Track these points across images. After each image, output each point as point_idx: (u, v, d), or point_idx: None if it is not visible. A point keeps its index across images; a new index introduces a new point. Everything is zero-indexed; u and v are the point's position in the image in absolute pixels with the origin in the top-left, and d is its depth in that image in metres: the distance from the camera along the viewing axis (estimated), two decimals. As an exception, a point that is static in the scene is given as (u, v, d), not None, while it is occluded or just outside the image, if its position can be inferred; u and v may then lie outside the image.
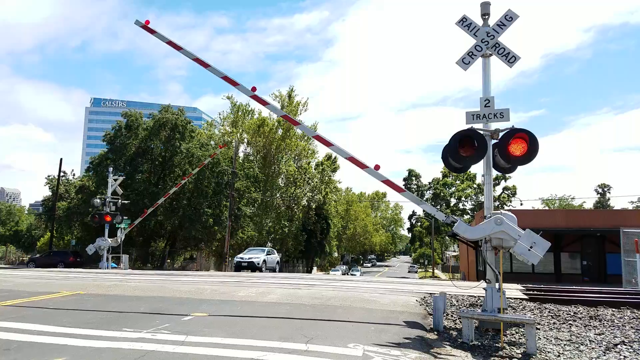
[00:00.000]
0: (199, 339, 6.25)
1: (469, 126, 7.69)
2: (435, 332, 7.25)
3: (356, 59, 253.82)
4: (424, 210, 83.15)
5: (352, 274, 56.78)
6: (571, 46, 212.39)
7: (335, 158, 71.21)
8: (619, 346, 6.61)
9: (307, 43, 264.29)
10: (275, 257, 29.84)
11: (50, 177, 44.91)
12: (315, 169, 62.09)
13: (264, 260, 26.54)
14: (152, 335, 6.42)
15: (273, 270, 27.97)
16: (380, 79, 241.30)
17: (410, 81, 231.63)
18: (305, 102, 58.71)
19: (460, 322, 7.14)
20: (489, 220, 7.22)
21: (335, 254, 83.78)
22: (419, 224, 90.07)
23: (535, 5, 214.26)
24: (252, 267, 25.40)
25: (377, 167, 8.51)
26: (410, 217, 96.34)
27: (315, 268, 67.31)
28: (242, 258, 26.53)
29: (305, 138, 60.02)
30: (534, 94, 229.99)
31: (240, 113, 56.15)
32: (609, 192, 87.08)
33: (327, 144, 9.27)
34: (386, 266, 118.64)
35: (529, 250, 6.82)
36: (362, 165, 8.65)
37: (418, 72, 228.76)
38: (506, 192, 72.03)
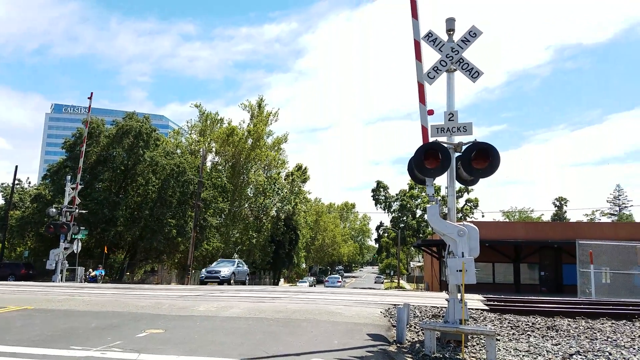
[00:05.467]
0: (153, 357, 5.97)
1: (433, 139, 7.78)
2: (398, 345, 7.20)
3: (326, 71, 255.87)
4: (390, 221, 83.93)
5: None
6: (532, 63, 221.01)
7: (305, 168, 70.63)
8: (574, 356, 6.77)
9: (277, 53, 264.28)
10: (245, 269, 29.42)
11: (3, 185, 42.99)
12: (285, 180, 61.72)
13: (233, 273, 26.08)
14: (102, 354, 6.08)
15: (242, 282, 27.57)
16: (350, 91, 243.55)
17: (379, 93, 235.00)
18: (276, 113, 58.56)
19: (423, 333, 7.12)
20: (456, 225, 7.37)
21: (304, 265, 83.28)
22: (386, 234, 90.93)
23: (499, 23, 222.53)
24: (221, 280, 24.81)
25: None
26: (377, 228, 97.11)
27: (282, 280, 66.56)
28: (209, 272, 25.89)
29: (275, 148, 59.58)
30: (496, 109, 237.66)
31: (208, 122, 55.37)
32: (566, 205, 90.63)
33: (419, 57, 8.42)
34: (353, 277, 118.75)
35: (457, 271, 7.09)
36: (422, 99, 8.29)
37: (387, 85, 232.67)
38: (469, 204, 73.74)
